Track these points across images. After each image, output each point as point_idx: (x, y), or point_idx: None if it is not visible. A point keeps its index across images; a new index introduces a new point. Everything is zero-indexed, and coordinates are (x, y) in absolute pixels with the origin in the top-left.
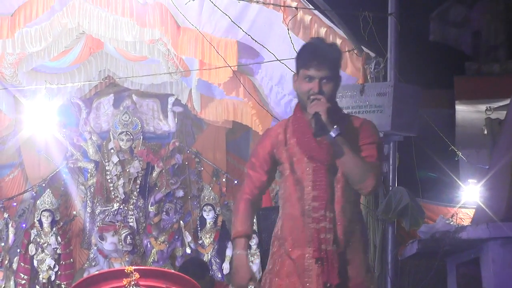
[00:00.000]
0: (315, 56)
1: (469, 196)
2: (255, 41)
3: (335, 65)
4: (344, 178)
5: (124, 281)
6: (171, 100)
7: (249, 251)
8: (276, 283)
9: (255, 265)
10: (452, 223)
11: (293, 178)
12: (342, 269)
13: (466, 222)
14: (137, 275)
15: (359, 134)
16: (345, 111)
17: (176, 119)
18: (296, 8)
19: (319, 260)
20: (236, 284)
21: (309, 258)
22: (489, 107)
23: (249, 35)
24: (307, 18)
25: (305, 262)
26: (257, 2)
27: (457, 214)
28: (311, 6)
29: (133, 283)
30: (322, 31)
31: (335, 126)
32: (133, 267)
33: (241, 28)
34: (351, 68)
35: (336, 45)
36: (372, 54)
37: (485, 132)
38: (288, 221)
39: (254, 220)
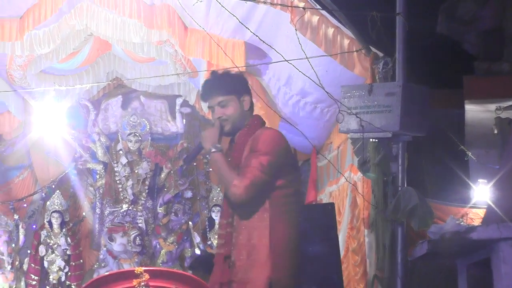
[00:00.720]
0: (207, 89)
1: (480, 196)
2: (263, 41)
3: (228, 89)
4: None
5: (134, 282)
6: (179, 101)
7: None
8: None
9: None
10: (462, 223)
11: None
12: None
13: (477, 222)
14: (146, 276)
15: (257, 144)
16: (354, 111)
17: (184, 120)
18: (304, 8)
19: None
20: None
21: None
22: (499, 106)
23: (256, 35)
24: (315, 18)
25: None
26: (264, 2)
27: (467, 214)
28: (318, 6)
29: (143, 283)
30: (330, 31)
31: (212, 146)
32: (143, 268)
33: (248, 29)
34: (359, 68)
35: (227, 72)
36: (380, 54)
37: (495, 131)
38: None
39: None
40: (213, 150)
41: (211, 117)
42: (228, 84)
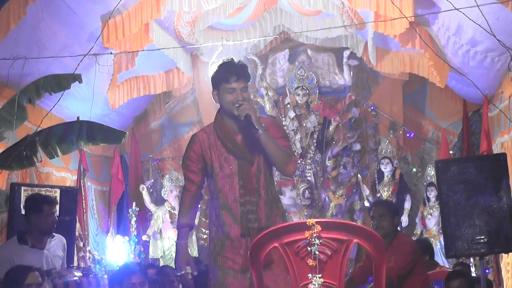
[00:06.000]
0: (233, 73)
1: None
2: None
3: (247, 78)
4: (265, 167)
5: (306, 234)
6: (346, 53)
7: (427, 204)
8: (220, 260)
9: (434, 218)
10: None
11: (223, 174)
12: None
13: None
14: (318, 228)
15: (268, 130)
16: None
17: (351, 73)
18: None
19: (244, 236)
20: (176, 267)
21: (239, 235)
22: None
23: None
24: None
25: (237, 238)
26: None
27: None
28: None
29: (315, 235)
30: None
31: (263, 124)
32: (315, 220)
33: None
34: None
35: (244, 64)
36: None
37: None
38: (224, 209)
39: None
40: (263, 129)
41: (224, 99)
42: (248, 73)
